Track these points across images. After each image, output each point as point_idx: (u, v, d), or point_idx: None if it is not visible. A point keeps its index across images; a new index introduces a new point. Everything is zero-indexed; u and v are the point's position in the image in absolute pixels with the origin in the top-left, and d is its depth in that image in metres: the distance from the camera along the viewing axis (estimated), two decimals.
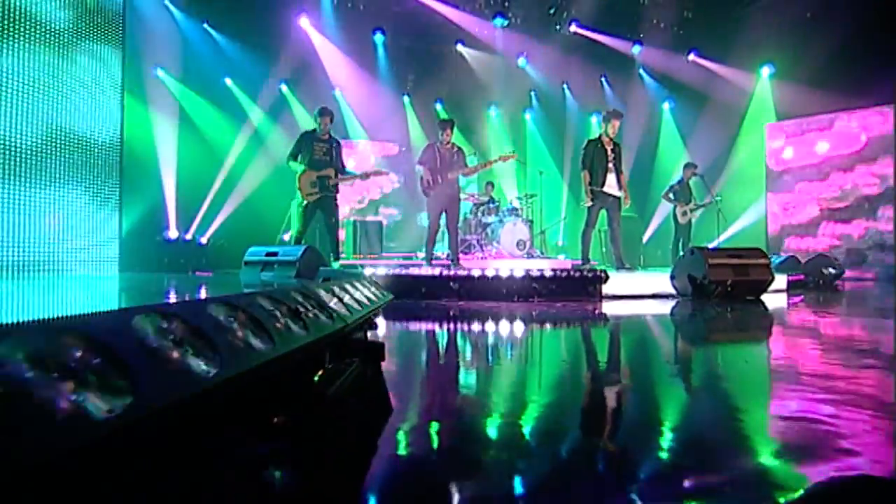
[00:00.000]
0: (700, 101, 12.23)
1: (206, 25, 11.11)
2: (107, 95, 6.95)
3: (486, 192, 10.39)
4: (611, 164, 6.64)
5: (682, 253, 10.08)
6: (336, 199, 6.52)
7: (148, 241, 9.43)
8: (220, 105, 11.66)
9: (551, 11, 10.63)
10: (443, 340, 2.91)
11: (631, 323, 3.72)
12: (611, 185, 6.64)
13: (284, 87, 12.36)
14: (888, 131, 10.05)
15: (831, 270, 7.79)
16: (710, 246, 11.26)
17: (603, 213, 6.79)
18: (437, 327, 3.35)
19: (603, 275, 4.60)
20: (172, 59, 11.13)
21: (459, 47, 11.72)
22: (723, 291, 4.72)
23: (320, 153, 6.37)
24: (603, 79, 13.59)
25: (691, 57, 12.24)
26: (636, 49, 12.27)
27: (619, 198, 6.71)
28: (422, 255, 7.84)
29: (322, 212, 6.44)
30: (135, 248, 8.67)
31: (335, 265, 6.40)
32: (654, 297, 5.09)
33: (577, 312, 4.05)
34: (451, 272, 4.52)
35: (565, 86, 13.89)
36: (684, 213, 9.74)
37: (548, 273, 4.49)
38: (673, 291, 5.15)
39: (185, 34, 10.97)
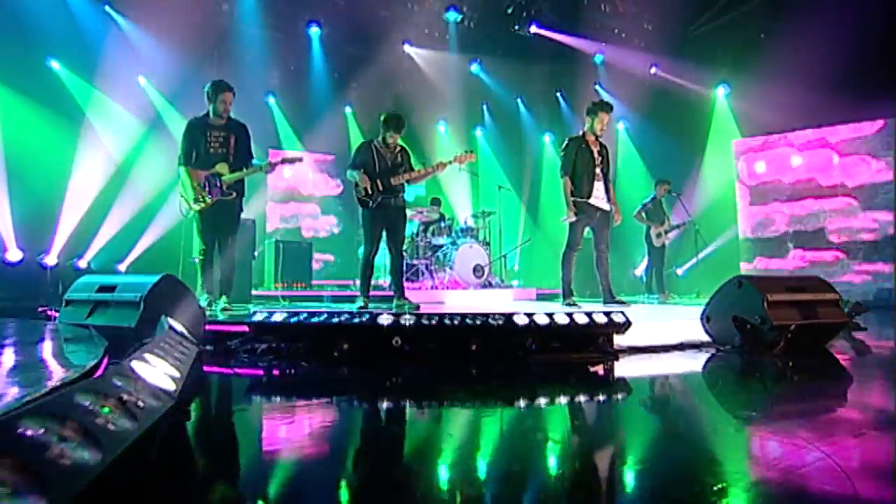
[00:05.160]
0: (661, 118, 10.96)
1: (107, 8, 9.00)
2: None
3: (434, 209, 8.64)
4: (598, 170, 5.03)
5: (650, 278, 8.66)
6: (239, 205, 4.61)
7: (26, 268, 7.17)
8: (128, 105, 9.54)
9: (509, 10, 9.12)
10: None
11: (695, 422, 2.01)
12: (598, 196, 5.02)
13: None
14: (843, 151, 9.03)
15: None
16: (682, 268, 10.11)
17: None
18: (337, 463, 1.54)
19: (622, 320, 2.88)
20: (68, 47, 8.96)
21: (407, 48, 10.02)
22: (785, 341, 3.11)
23: (215, 145, 4.45)
24: (559, 94, 12.23)
25: (653, 70, 11.00)
26: (598, 58, 10.93)
27: (607, 212, 5.10)
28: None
29: (220, 225, 4.53)
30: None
31: (221, 303, 4.45)
32: (679, 347, 3.42)
33: (598, 397, 2.31)
34: (392, 320, 2.70)
35: (520, 100, 12.43)
36: (659, 235, 8.29)
37: (541, 319, 2.74)
38: (704, 337, 3.49)
39: (79, 17, 8.82)
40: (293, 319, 2.79)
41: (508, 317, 2.76)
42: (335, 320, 2.74)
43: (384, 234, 5.15)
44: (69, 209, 7.79)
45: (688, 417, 1.90)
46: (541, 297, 7.71)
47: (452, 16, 9.19)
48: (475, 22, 9.40)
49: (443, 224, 8.03)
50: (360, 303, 5.05)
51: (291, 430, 1.65)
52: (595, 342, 3.02)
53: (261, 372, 2.75)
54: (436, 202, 8.75)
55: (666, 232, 8.29)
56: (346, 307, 5.96)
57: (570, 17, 9.39)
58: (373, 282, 5.82)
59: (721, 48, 10.67)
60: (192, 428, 1.67)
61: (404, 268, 6.25)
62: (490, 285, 7.65)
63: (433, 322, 2.71)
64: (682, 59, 10.74)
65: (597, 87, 11.76)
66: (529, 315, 2.80)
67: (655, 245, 8.28)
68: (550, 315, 2.83)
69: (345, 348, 2.84)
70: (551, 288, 8.82)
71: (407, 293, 5.38)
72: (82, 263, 7.30)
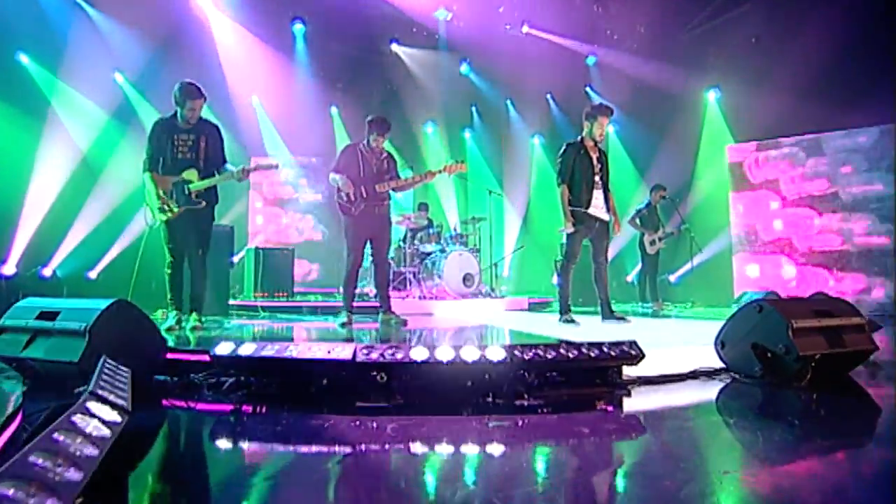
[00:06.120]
0: (654, 122, 10.68)
1: (79, 0, 8.50)
2: None
3: (421, 214, 8.29)
4: (597, 178, 4.71)
5: (643, 287, 8.33)
6: (210, 214, 4.21)
7: None
8: (103, 103, 9.04)
9: (501, 9, 8.78)
10: None
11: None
12: (597, 206, 4.69)
13: None
14: (841, 156, 8.78)
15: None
16: (675, 275, 9.79)
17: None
18: None
19: (635, 352, 2.56)
20: (39, 41, 8.45)
21: (395, 47, 9.63)
22: (810, 371, 2.80)
23: (183, 149, 4.06)
24: (549, 96, 11.92)
25: (645, 73, 10.71)
26: (591, 60, 10.63)
27: (607, 222, 4.78)
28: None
29: (189, 236, 4.13)
30: None
31: (191, 321, 4.06)
32: (693, 375, 3.11)
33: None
34: (376, 355, 2.34)
35: (510, 102, 12.11)
36: (653, 242, 8.03)
37: (547, 353, 2.41)
38: (717, 362, 3.18)
39: (50, 10, 8.30)
40: (263, 353, 2.42)
41: (510, 350, 2.42)
42: (311, 356, 2.37)
43: (369, 243, 4.81)
44: (33, 213, 7.26)
45: (736, 479, 1.57)
46: (533, 307, 7.40)
47: (442, 13, 8.82)
48: (465, 22, 9.03)
49: (431, 230, 7.68)
50: (343, 318, 4.71)
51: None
52: (604, 375, 2.69)
53: (227, 408, 2.39)
54: (423, 207, 8.39)
55: (660, 239, 8.03)
56: (330, 320, 5.62)
57: (562, 18, 9.08)
58: (358, 289, 5.47)
59: (712, 52, 10.43)
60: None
61: (391, 277, 5.91)
62: (480, 294, 7.31)
63: (423, 358, 2.36)
64: (675, 61, 10.48)
65: (587, 89, 11.48)
66: (533, 347, 2.46)
67: (649, 252, 8.01)
68: (556, 348, 2.50)
69: (323, 384, 2.48)
70: (543, 297, 8.52)
71: (394, 304, 5.04)
72: (47, 272, 6.83)
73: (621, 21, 10.15)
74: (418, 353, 2.39)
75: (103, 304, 2.50)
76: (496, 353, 2.41)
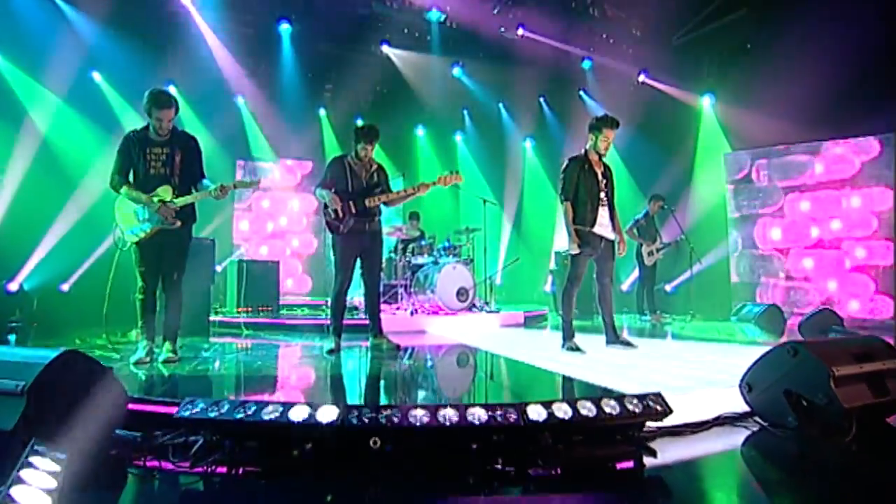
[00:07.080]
0: (650, 128, 10.36)
1: None
2: None
3: (413, 225, 7.92)
4: (602, 195, 4.39)
5: (641, 299, 8.01)
6: (187, 234, 3.82)
7: None
8: (79, 105, 8.57)
9: (496, 11, 8.43)
10: None
11: None
12: (602, 224, 4.37)
13: (173, 89, 9.29)
14: (844, 166, 8.53)
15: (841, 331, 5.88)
16: (671, 285, 9.43)
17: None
18: None
19: (659, 407, 2.25)
20: (9, 37, 7.95)
21: (385, 48, 9.24)
22: (854, 425, 2.49)
23: (157, 164, 3.68)
24: (542, 99, 11.60)
25: (641, 78, 10.42)
26: (587, 64, 10.31)
27: (612, 241, 4.46)
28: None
29: (163, 259, 3.75)
30: None
31: (164, 352, 3.68)
32: (717, 421, 2.80)
33: None
34: (368, 419, 2.00)
35: (502, 105, 11.77)
36: (651, 253, 7.75)
37: (560, 412, 2.09)
38: (740, 403, 2.89)
39: (21, 5, 7.80)
40: (235, 415, 2.07)
41: (521, 410, 2.09)
42: (290, 417, 2.02)
43: (358, 262, 4.47)
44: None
45: None
46: (529, 322, 7.07)
47: (435, 15, 8.44)
48: (458, 24, 8.66)
49: (423, 242, 7.32)
50: (331, 344, 4.36)
51: None
52: (625, 431, 2.37)
53: (197, 471, 2.05)
54: (414, 217, 8.03)
55: (658, 250, 7.75)
56: (318, 341, 5.26)
57: (559, 20, 8.76)
58: (347, 301, 5.12)
59: (706, 57, 10.18)
60: None
61: (381, 292, 5.54)
62: (474, 308, 6.98)
63: (423, 422, 2.02)
64: (670, 66, 10.20)
65: (581, 93, 11.17)
66: (548, 406, 2.13)
67: (647, 263, 7.73)
68: (574, 404, 2.17)
69: (307, 448, 2.13)
70: (537, 308, 8.21)
71: (383, 318, 4.70)
72: (13, 286, 6.36)
73: (618, 24, 9.85)
74: (417, 416, 2.04)
75: (48, 356, 2.12)
76: (507, 415, 2.08)
